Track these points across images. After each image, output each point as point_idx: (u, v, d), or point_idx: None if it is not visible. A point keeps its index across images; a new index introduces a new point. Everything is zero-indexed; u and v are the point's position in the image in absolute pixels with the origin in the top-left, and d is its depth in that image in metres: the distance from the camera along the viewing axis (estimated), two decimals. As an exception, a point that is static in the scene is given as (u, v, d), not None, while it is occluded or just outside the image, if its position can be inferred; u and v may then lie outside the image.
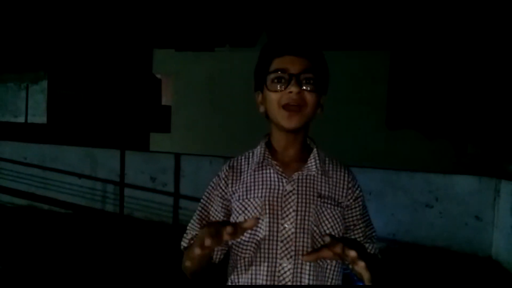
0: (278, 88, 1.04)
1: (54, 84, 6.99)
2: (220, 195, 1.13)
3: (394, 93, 5.35)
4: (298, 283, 1.01)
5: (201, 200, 1.17)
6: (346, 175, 1.13)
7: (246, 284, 1.05)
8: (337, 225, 1.06)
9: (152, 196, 6.03)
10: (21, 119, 7.30)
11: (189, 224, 1.17)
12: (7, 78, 7.32)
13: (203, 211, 1.15)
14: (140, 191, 6.09)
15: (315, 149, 1.12)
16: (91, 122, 6.64)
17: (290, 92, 1.02)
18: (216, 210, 1.14)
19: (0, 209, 6.49)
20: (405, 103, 5.29)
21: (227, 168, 1.14)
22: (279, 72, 1.04)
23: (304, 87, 1.03)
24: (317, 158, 1.10)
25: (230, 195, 1.11)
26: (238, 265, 1.07)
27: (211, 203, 1.14)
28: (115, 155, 6.14)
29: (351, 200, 1.11)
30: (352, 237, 1.12)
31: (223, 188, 1.12)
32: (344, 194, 1.10)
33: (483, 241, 4.82)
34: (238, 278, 1.07)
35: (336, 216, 1.06)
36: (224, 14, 5.98)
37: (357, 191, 1.13)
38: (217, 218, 1.13)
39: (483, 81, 4.92)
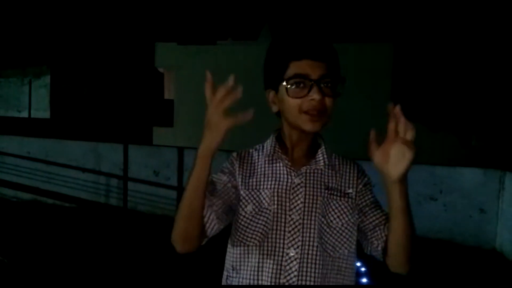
0: (299, 94, 1.02)
1: (57, 79, 6.99)
2: (230, 172, 1.12)
3: (398, 85, 5.31)
4: (305, 272, 1.03)
5: (210, 179, 1.09)
6: (353, 166, 1.15)
7: (251, 272, 1.06)
8: (344, 215, 1.07)
9: (155, 190, 6.04)
10: (25, 114, 7.32)
11: None
12: (10, 73, 7.32)
13: (210, 185, 1.09)
14: (144, 185, 6.10)
15: (323, 145, 1.14)
16: (94, 117, 6.64)
17: (312, 99, 1.01)
18: (225, 185, 1.10)
19: (5, 203, 6.53)
20: (409, 95, 5.26)
21: (237, 157, 1.15)
22: (300, 78, 1.02)
23: (325, 94, 1.02)
24: (325, 153, 1.12)
25: (237, 180, 1.11)
26: (243, 253, 1.08)
27: (220, 180, 1.11)
28: (118, 149, 6.15)
29: (360, 186, 1.13)
30: (372, 218, 1.10)
31: (232, 169, 1.13)
32: (351, 184, 1.12)
33: (488, 233, 4.80)
34: (242, 266, 1.08)
35: (343, 206, 1.08)
36: (226, 7, 5.94)
37: (366, 179, 1.15)
38: (225, 191, 1.09)
39: (488, 74, 4.87)
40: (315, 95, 1.00)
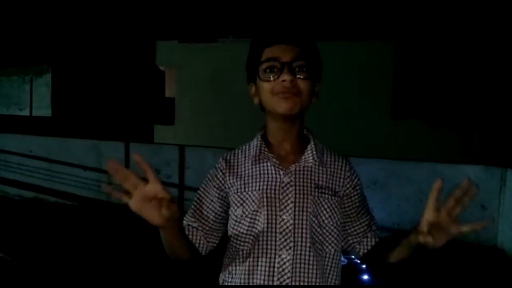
0: (271, 77, 1.02)
1: (58, 77, 6.99)
2: (217, 186, 1.12)
3: (399, 83, 5.30)
4: (298, 274, 1.01)
5: (198, 192, 1.17)
6: (343, 164, 1.12)
7: (244, 275, 1.05)
8: (334, 215, 1.06)
9: (157, 188, 6.04)
10: (26, 112, 7.32)
11: (185, 215, 1.18)
12: (11, 72, 7.33)
13: (197, 201, 1.15)
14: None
15: (312, 141, 1.11)
16: (96, 115, 6.65)
17: (283, 80, 1.00)
18: (212, 201, 1.13)
19: (7, 201, 6.55)
20: (410, 92, 5.25)
21: (223, 161, 1.13)
22: (271, 61, 1.02)
23: (297, 75, 1.01)
24: (314, 149, 1.09)
25: (228, 188, 1.10)
26: (237, 257, 1.07)
27: (207, 194, 1.14)
28: (119, 147, 6.16)
29: (349, 189, 1.10)
30: (357, 225, 1.12)
31: (221, 179, 1.12)
32: (341, 184, 1.09)
33: (489, 231, 4.80)
34: (236, 270, 1.07)
35: (333, 206, 1.06)
36: (227, 5, 5.93)
37: (356, 180, 1.12)
38: (212, 209, 1.13)
39: (489, 71, 4.86)
40: (285, 76, 1.00)
